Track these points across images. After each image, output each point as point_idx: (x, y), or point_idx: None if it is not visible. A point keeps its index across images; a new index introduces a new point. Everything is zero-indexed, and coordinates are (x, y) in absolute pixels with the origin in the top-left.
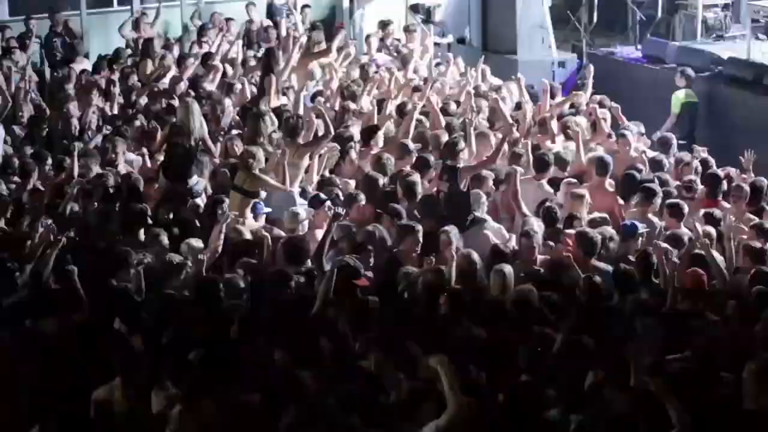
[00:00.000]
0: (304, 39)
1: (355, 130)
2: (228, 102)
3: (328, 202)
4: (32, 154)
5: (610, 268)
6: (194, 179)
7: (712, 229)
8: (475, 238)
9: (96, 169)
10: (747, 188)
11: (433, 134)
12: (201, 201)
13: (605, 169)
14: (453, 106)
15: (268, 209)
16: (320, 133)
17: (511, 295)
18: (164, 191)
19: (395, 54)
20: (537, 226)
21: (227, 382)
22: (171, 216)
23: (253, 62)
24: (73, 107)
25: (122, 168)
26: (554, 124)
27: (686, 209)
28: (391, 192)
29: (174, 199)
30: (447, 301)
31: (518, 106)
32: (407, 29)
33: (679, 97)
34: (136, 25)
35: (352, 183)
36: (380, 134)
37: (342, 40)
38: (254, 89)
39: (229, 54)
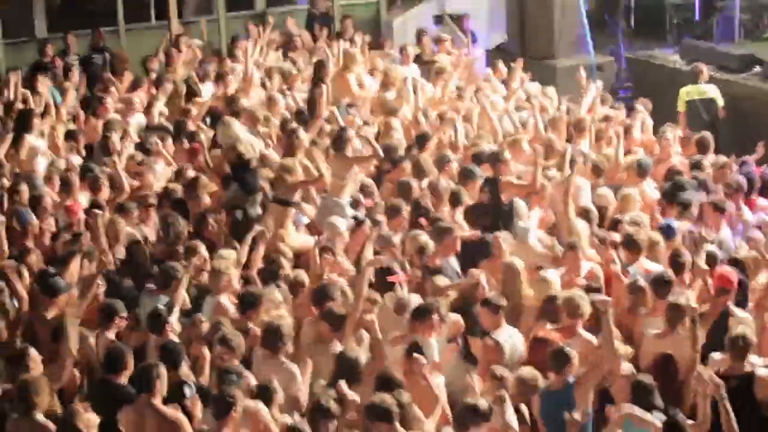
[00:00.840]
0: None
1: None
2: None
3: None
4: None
5: (660, 267)
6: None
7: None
8: (519, 248)
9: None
10: None
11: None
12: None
13: (645, 172)
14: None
15: (306, 219)
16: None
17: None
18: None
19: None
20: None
21: None
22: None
23: (295, 71)
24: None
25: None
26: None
27: (729, 207)
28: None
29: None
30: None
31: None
32: (438, 39)
33: (681, 94)
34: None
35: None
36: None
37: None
38: (292, 101)
39: (265, 62)
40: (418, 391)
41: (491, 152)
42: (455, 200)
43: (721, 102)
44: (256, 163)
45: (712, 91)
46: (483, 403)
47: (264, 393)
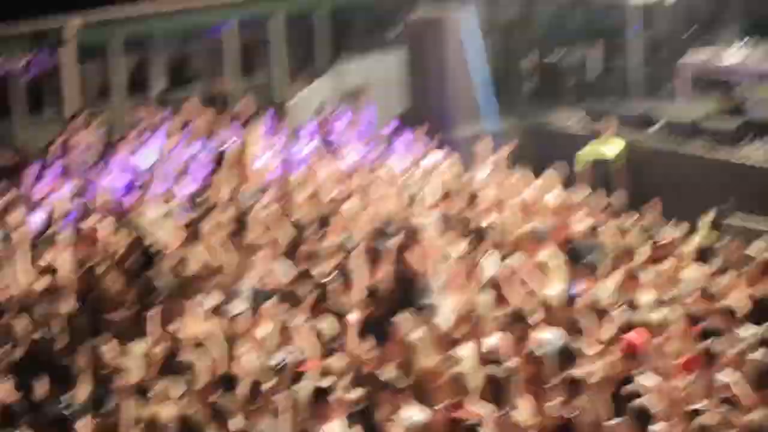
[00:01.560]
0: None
1: None
2: None
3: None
4: None
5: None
6: None
7: None
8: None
9: None
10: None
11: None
12: None
13: (541, 238)
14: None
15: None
16: None
17: None
18: None
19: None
20: None
21: None
22: None
23: None
24: None
25: None
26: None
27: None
28: None
29: None
30: None
31: None
32: (334, 114)
33: (580, 155)
34: None
35: None
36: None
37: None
38: None
39: None
40: None
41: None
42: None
43: (619, 161)
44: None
45: (611, 151)
46: None
47: None
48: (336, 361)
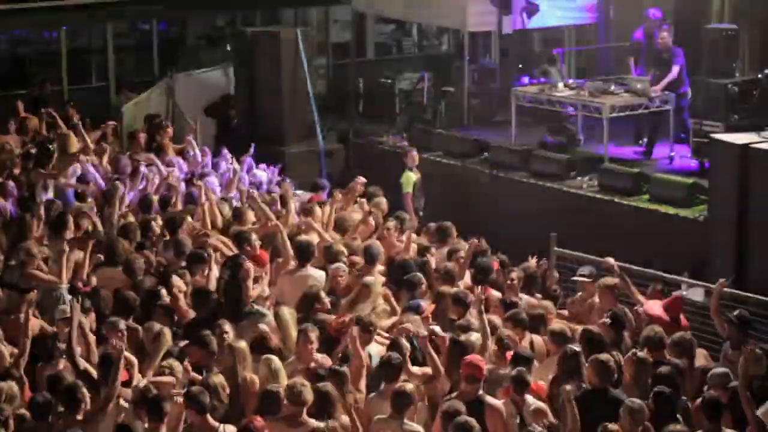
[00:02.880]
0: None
1: None
2: None
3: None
4: None
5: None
6: None
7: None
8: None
9: None
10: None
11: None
12: None
13: (374, 258)
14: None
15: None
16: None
17: None
18: None
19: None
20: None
21: None
22: None
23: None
24: None
25: None
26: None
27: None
28: None
29: None
30: None
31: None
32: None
33: (410, 176)
34: None
35: None
36: None
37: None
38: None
39: None
40: None
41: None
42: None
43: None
44: None
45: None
46: None
47: None
48: None
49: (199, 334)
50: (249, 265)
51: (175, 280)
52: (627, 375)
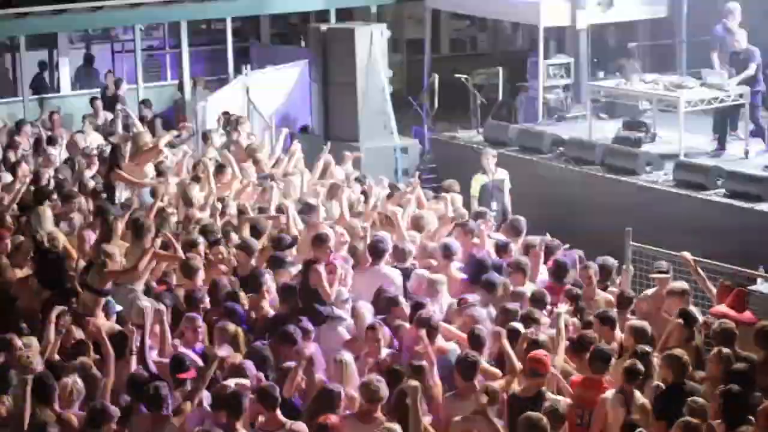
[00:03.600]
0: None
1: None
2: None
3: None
4: None
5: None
6: None
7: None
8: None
9: None
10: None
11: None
12: None
13: (451, 254)
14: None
15: (119, 307)
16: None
17: None
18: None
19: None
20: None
21: None
22: None
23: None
24: None
25: None
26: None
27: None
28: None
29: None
30: None
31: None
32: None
33: (475, 178)
34: None
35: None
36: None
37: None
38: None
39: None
40: None
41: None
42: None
43: (508, 185)
44: (58, 255)
45: (502, 175)
46: None
47: None
48: None
49: (286, 330)
50: (321, 268)
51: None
52: (709, 371)
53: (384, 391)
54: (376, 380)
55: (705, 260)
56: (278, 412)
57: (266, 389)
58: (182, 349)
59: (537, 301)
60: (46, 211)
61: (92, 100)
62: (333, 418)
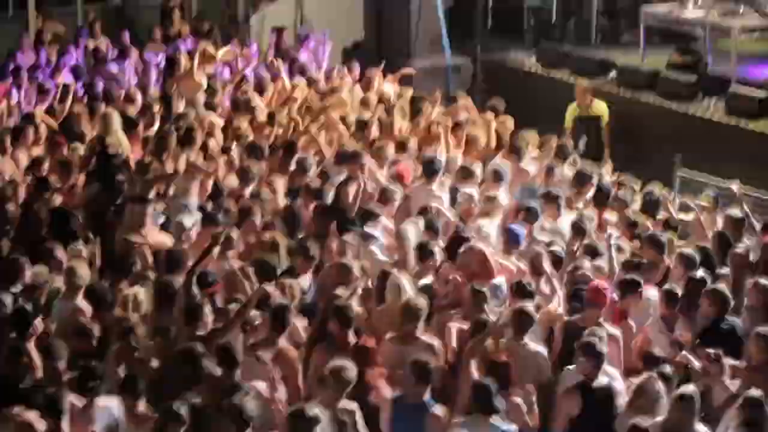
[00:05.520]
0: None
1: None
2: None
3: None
4: None
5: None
6: None
7: None
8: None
9: None
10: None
11: None
12: None
13: (500, 179)
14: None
15: (162, 218)
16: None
17: None
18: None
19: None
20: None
21: None
22: None
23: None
24: None
25: None
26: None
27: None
28: None
29: None
30: None
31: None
32: (299, 37)
33: (569, 110)
34: None
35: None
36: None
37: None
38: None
39: None
40: None
41: (352, 153)
42: None
43: (606, 119)
44: (120, 160)
45: (599, 109)
46: None
47: None
48: None
49: None
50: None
51: None
52: (751, 302)
53: (424, 310)
54: (415, 300)
55: (753, 191)
56: (350, 331)
57: (343, 308)
58: None
59: (577, 228)
60: (113, 115)
61: None
62: (371, 340)
